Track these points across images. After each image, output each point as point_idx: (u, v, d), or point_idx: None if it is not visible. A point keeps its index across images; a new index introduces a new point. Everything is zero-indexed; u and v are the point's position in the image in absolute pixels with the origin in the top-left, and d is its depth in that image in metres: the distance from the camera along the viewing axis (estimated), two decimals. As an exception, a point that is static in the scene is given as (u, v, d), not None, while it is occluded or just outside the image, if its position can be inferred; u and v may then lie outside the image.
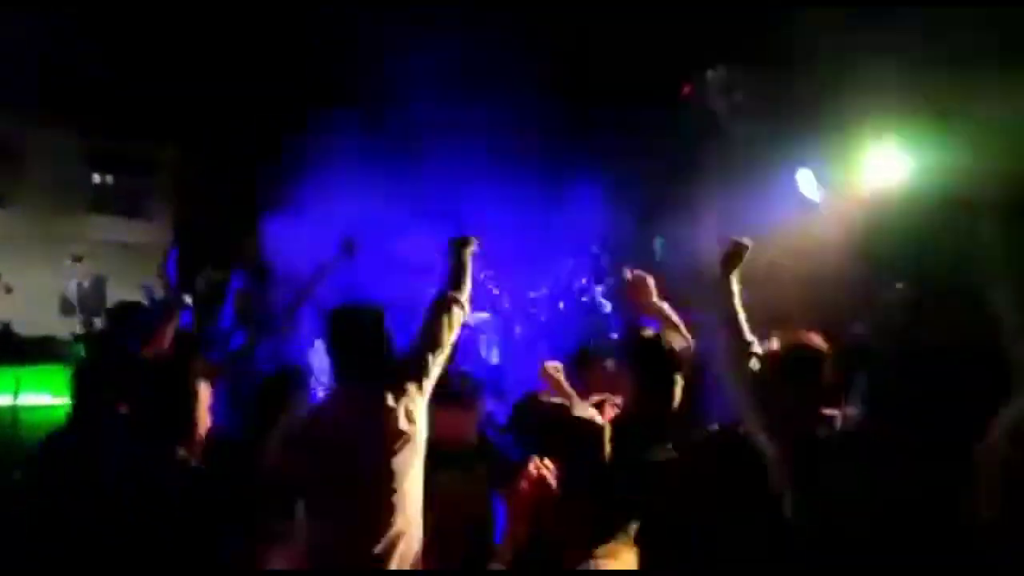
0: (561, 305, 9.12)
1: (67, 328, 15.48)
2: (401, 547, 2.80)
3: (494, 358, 8.90)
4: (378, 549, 2.76)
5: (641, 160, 9.04)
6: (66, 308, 17.89)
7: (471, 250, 3.32)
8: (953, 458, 2.44)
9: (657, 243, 9.17)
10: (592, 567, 2.09)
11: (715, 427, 3.07)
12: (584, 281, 9.01)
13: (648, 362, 3.08)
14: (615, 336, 6.57)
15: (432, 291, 3.26)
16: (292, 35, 10.17)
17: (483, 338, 8.81)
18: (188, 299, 4.90)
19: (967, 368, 2.74)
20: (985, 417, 2.35)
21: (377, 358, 2.94)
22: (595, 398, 3.39)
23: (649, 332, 3.12)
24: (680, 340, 3.57)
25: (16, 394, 7.90)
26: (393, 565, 2.78)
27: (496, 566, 2.19)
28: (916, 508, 2.53)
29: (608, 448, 2.34)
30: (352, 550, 2.75)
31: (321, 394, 3.92)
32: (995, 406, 2.33)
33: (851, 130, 7.18)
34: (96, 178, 22.27)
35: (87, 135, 20.26)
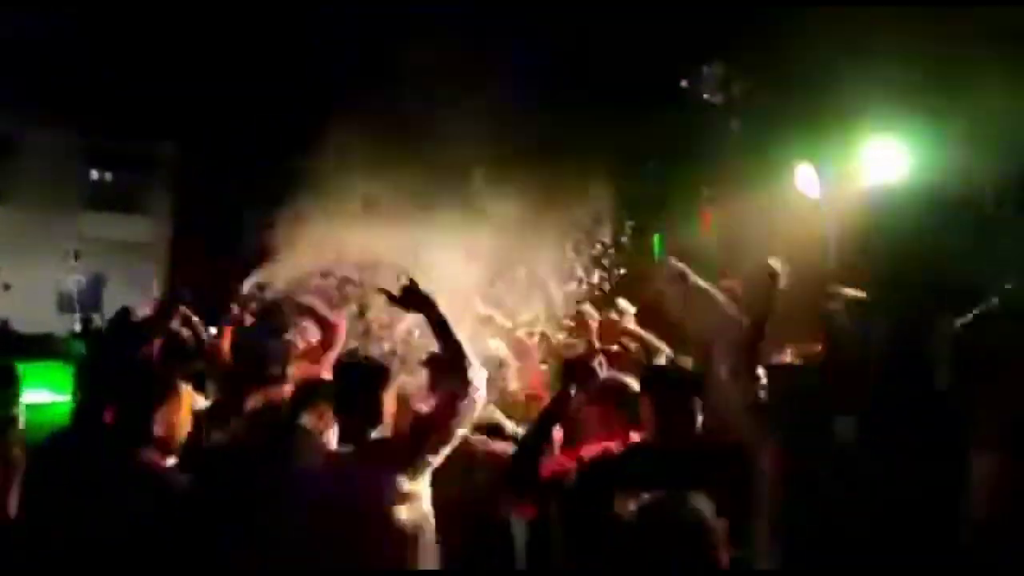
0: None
1: (65, 325, 15.52)
2: None
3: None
4: None
5: (640, 156, 9.04)
6: (64, 305, 17.92)
7: (431, 301, 2.83)
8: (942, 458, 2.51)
9: (655, 241, 9.18)
10: None
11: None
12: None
13: (664, 390, 2.95)
14: None
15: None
16: (292, 33, 10.17)
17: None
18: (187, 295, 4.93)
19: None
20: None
21: (372, 422, 2.75)
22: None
23: (663, 360, 2.98)
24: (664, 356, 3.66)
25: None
26: None
27: None
28: (913, 508, 2.57)
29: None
30: None
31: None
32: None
33: (850, 126, 7.19)
34: (94, 175, 22.26)
35: (85, 132, 20.24)
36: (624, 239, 6.48)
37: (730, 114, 8.70)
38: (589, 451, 2.96)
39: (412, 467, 2.65)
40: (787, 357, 3.48)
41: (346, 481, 2.66)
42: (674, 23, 8.13)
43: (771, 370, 3.05)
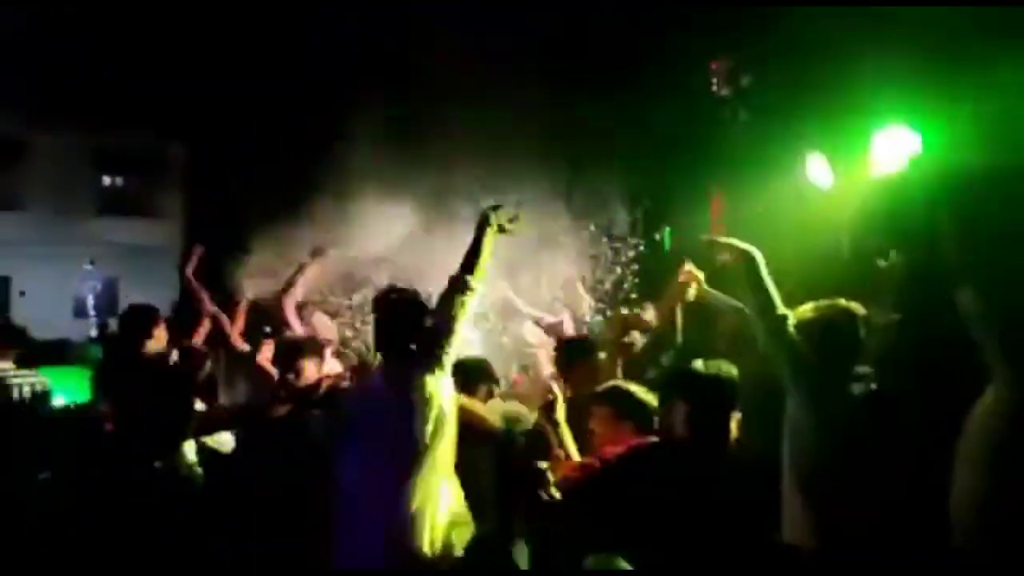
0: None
1: (81, 330, 15.62)
2: (431, 509, 3.03)
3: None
4: (413, 507, 3.00)
5: (649, 148, 9.01)
6: (79, 310, 18.04)
7: (495, 230, 3.34)
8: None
9: (664, 233, 9.14)
10: None
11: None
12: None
13: (699, 394, 2.85)
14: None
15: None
16: (297, 33, 10.20)
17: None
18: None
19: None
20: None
21: (410, 339, 3.18)
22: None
23: (699, 363, 2.91)
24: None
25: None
26: (425, 525, 3.01)
27: None
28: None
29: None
30: (388, 502, 2.98)
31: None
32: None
33: (860, 115, 7.14)
34: (106, 180, 22.39)
35: (96, 137, 20.36)
36: (635, 239, 6.49)
37: (739, 105, 8.66)
38: (612, 451, 2.91)
39: (438, 356, 3.15)
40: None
41: (396, 383, 3.17)
42: (682, 14, 8.10)
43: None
